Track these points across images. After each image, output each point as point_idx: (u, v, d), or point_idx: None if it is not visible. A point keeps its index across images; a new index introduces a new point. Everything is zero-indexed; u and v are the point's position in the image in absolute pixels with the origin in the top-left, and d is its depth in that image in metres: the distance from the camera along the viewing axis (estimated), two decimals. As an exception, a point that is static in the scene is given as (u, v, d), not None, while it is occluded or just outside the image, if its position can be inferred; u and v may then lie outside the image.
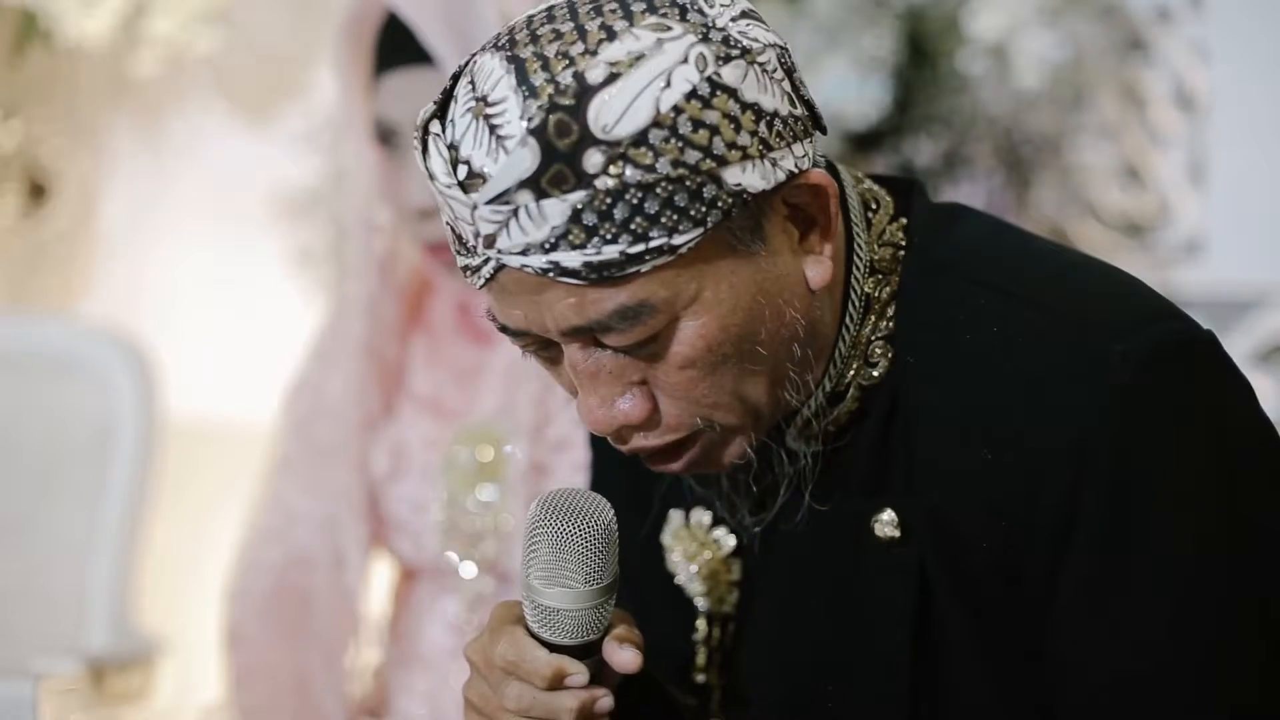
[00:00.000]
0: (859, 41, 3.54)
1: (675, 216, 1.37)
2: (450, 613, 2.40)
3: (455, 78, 1.42)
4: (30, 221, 3.91)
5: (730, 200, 1.39)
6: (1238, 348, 3.36)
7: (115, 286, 4.00)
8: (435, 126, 1.41)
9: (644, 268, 1.38)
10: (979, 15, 3.55)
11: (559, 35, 1.39)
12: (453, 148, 1.39)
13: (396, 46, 2.28)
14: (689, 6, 1.41)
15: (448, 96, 1.42)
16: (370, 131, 2.34)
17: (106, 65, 3.88)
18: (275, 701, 2.45)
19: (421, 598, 2.43)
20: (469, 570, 2.37)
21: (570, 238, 1.37)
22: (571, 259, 1.37)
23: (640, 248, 1.37)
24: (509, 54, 1.39)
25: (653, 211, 1.37)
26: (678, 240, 1.38)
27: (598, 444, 1.72)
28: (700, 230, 1.38)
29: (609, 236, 1.37)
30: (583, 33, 1.38)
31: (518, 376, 2.35)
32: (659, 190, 1.37)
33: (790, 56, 1.45)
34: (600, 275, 1.38)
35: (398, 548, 2.44)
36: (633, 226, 1.37)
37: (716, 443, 1.48)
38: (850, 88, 3.55)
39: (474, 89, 1.40)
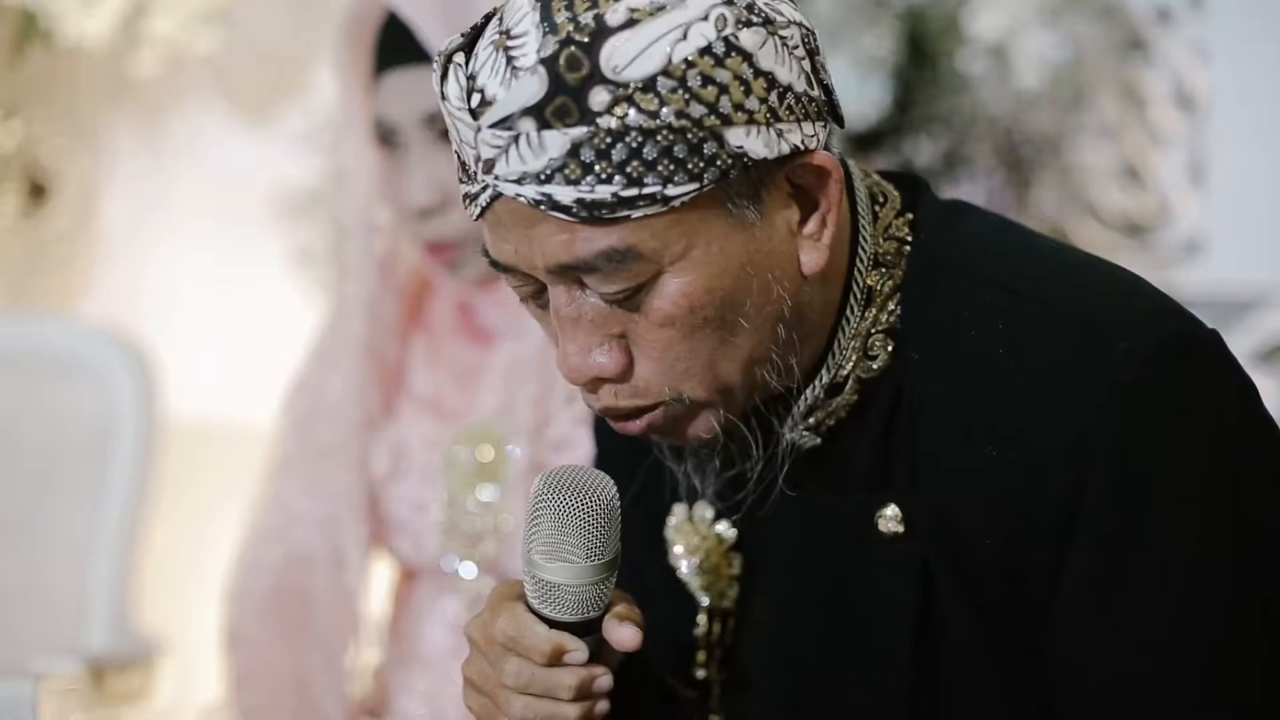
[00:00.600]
0: (859, 41, 3.54)
1: (672, 167, 1.38)
2: (450, 613, 2.40)
3: (488, 17, 1.45)
4: (30, 221, 3.90)
5: (730, 161, 1.40)
6: (1238, 348, 3.35)
7: (115, 286, 4.00)
8: (459, 58, 1.43)
9: (635, 213, 1.39)
10: (979, 15, 3.55)
11: None
12: (471, 77, 1.41)
13: (396, 46, 2.28)
14: None
15: (477, 32, 1.44)
16: (370, 131, 2.34)
17: (106, 65, 3.87)
18: (275, 701, 2.44)
19: (422, 598, 2.43)
20: (469, 570, 2.37)
21: (566, 171, 1.38)
22: (565, 194, 1.39)
23: (633, 192, 1.38)
24: None
25: (651, 158, 1.38)
26: (672, 191, 1.39)
27: (601, 439, 1.72)
28: (696, 185, 1.39)
29: (604, 176, 1.38)
30: None
31: (518, 377, 2.35)
32: (659, 138, 1.38)
33: (815, 40, 1.46)
34: (591, 214, 1.39)
35: (398, 548, 2.44)
36: (629, 170, 1.38)
37: (683, 416, 1.48)
38: (850, 88, 3.55)
39: (500, 23, 1.42)
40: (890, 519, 1.50)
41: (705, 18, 1.39)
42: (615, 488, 1.46)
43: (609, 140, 1.38)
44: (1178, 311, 1.47)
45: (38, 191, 3.91)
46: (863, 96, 3.55)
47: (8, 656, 3.10)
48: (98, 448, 3.24)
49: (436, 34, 2.24)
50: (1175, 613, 1.41)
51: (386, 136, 2.31)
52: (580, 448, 2.27)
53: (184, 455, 3.53)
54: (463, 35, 1.44)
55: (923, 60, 3.60)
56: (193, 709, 3.32)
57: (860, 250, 1.52)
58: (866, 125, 3.57)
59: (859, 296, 1.51)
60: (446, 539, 2.38)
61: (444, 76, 1.43)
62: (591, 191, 1.38)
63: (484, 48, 1.42)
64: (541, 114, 1.38)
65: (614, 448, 1.65)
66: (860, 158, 3.56)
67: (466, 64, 1.42)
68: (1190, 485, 1.41)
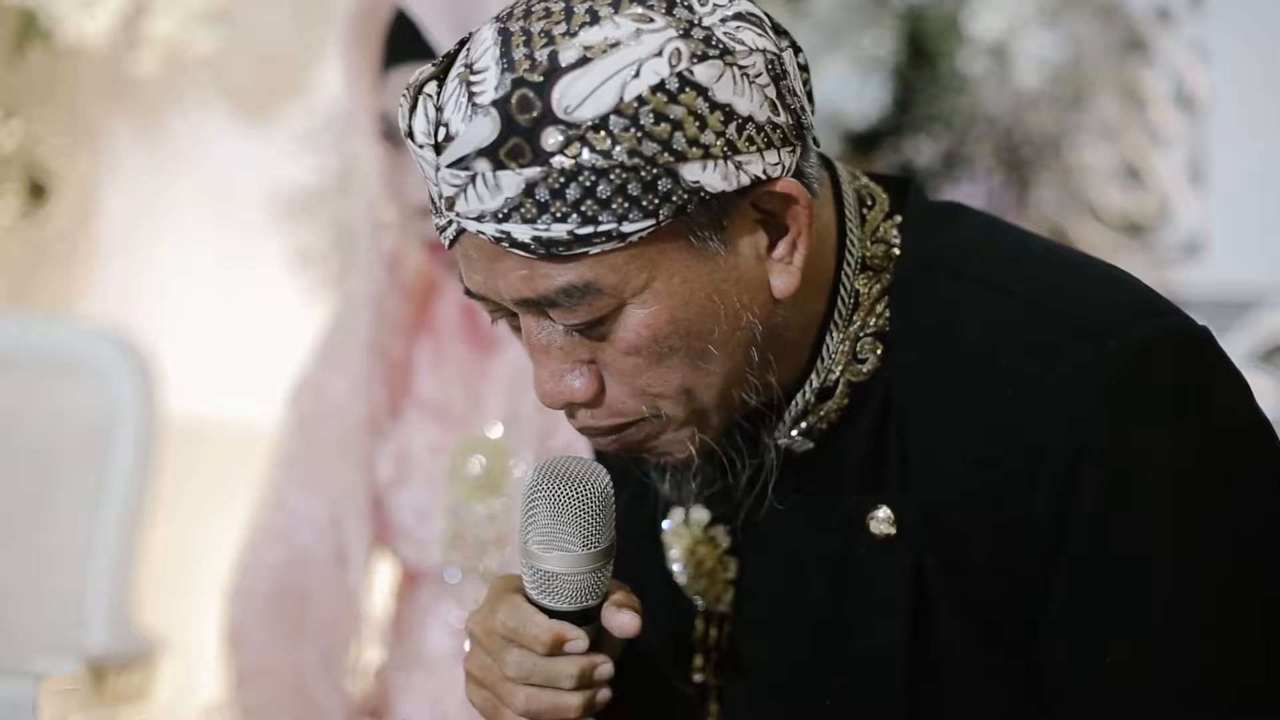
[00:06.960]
0: (859, 41, 3.55)
1: (626, 205, 1.39)
2: (453, 615, 2.40)
3: (463, 42, 1.45)
4: (30, 221, 3.91)
5: (686, 196, 1.40)
6: (1238, 348, 3.36)
7: (115, 286, 4.00)
8: (430, 88, 1.43)
9: (592, 250, 1.40)
10: (979, 15, 3.56)
11: (548, 14, 1.41)
12: (439, 109, 1.42)
13: (404, 42, 2.29)
14: (678, 2, 1.42)
15: (450, 60, 1.45)
16: (376, 127, 2.34)
17: (106, 65, 3.88)
18: (275, 701, 2.44)
19: (424, 599, 2.43)
20: (473, 584, 2.37)
21: (522, 211, 1.39)
22: (522, 231, 1.39)
23: (589, 230, 1.39)
24: (502, 25, 1.42)
25: (604, 196, 1.39)
26: (627, 228, 1.39)
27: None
28: (652, 221, 1.40)
29: (559, 215, 1.39)
30: (569, 14, 1.41)
31: (522, 382, 2.35)
32: (613, 176, 1.38)
33: (783, 65, 1.45)
34: (548, 251, 1.40)
35: (401, 552, 2.44)
36: (583, 208, 1.39)
37: (659, 432, 1.49)
38: (850, 88, 3.55)
39: (467, 55, 1.43)
40: (882, 520, 1.50)
41: (659, 53, 1.39)
42: (609, 476, 1.47)
43: (563, 180, 1.38)
44: (1168, 309, 1.47)
45: (38, 191, 3.91)
46: (863, 96, 3.55)
47: (8, 656, 3.10)
48: (97, 448, 3.24)
49: (444, 31, 2.25)
50: (1170, 610, 1.41)
51: (391, 133, 2.31)
52: (585, 452, 2.27)
53: (184, 455, 3.53)
54: (433, 65, 1.45)
55: (923, 60, 3.60)
56: (193, 709, 3.32)
57: (848, 254, 1.52)
58: (866, 125, 3.57)
59: (846, 301, 1.51)
60: (449, 548, 2.38)
61: (413, 109, 1.43)
62: (548, 230, 1.39)
63: (452, 79, 1.42)
64: (496, 155, 1.39)
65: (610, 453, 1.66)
66: (860, 158, 3.56)
67: (437, 95, 1.43)
68: (1183, 482, 1.42)
